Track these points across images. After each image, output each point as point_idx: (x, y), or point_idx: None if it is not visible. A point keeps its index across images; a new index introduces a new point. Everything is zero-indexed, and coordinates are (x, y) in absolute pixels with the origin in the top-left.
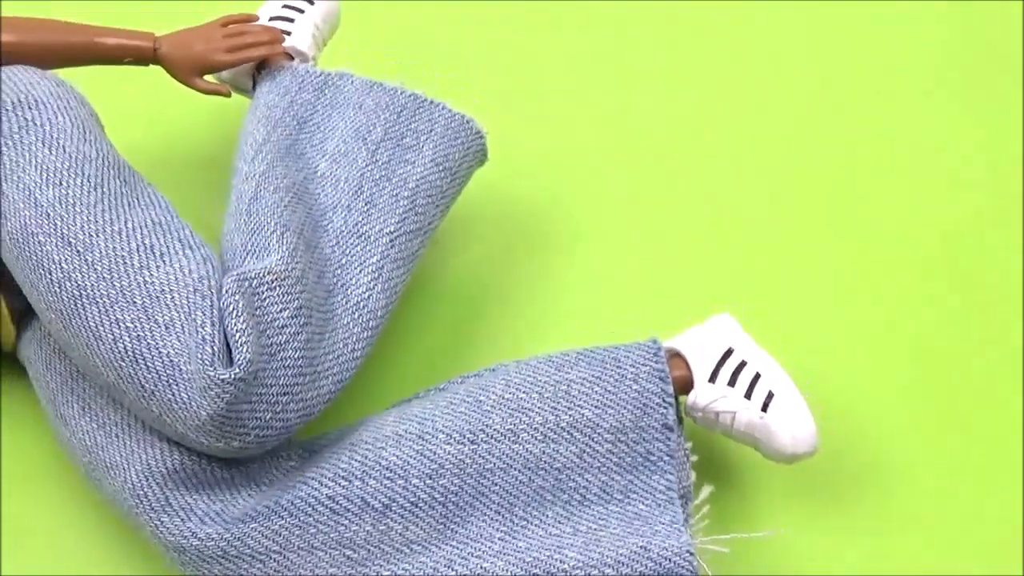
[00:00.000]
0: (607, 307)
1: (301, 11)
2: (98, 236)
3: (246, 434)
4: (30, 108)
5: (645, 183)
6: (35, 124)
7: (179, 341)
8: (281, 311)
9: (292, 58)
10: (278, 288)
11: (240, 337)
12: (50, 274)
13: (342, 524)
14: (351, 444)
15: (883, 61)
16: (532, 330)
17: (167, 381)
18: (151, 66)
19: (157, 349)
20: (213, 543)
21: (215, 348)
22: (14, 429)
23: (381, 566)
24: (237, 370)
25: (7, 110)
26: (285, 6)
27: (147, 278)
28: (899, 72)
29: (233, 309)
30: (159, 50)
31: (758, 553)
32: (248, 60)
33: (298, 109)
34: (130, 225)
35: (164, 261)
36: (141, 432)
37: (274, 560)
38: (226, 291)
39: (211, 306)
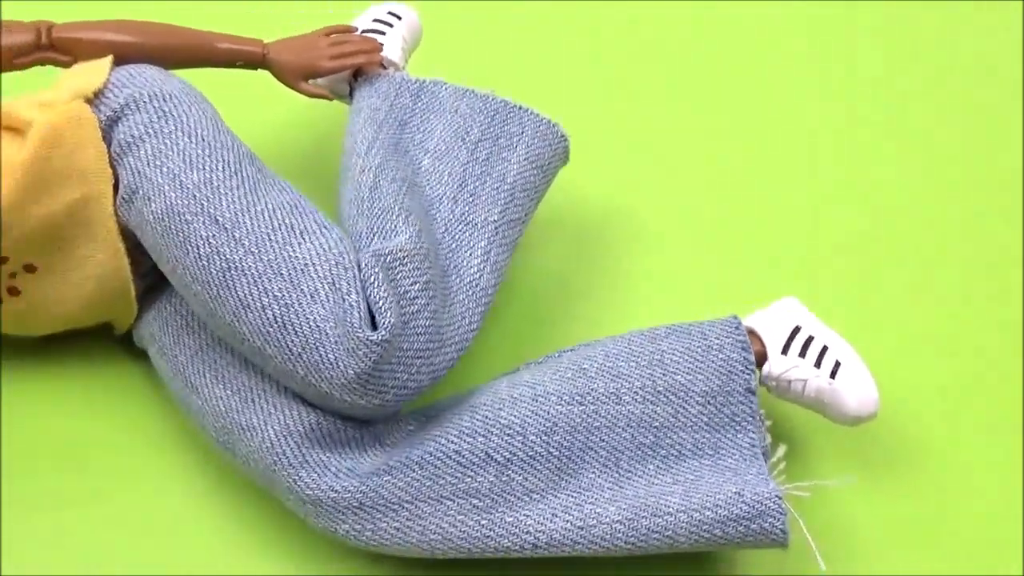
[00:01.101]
0: (673, 295)
1: (391, 25)
2: (243, 215)
3: (385, 392)
4: (166, 101)
5: (701, 181)
6: (173, 115)
7: (324, 309)
8: (412, 284)
9: (384, 67)
10: (409, 264)
11: (383, 304)
12: (198, 250)
13: (468, 476)
14: (470, 407)
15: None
16: (599, 318)
17: (314, 344)
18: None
19: (304, 316)
20: (350, 495)
21: (361, 314)
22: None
23: (504, 513)
24: (383, 332)
25: (145, 102)
26: (376, 20)
27: (291, 253)
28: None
29: (374, 280)
30: (267, 55)
31: (823, 505)
32: (350, 67)
33: (398, 112)
34: (270, 206)
35: (304, 239)
36: (277, 396)
37: (406, 510)
38: (365, 265)
39: (353, 277)
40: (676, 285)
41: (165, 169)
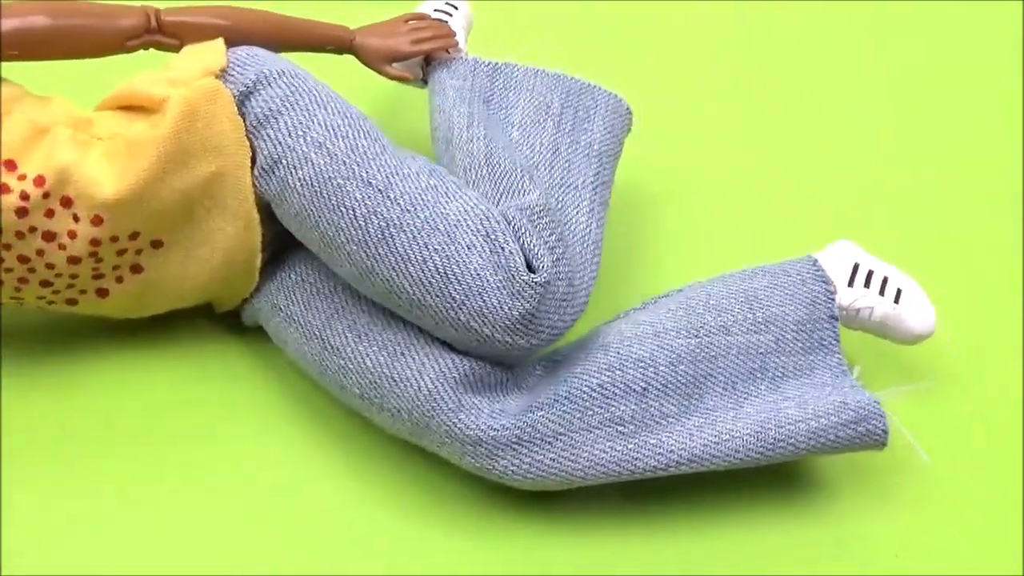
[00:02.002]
0: (729, 250)
1: (450, 14)
2: (393, 177)
3: (541, 332)
4: (294, 77)
5: (741, 146)
6: (304, 89)
7: (481, 258)
8: (550, 235)
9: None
10: (545, 217)
11: (537, 251)
12: (353, 211)
13: (612, 405)
14: (601, 346)
15: None
16: (657, 277)
17: (477, 291)
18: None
19: (464, 265)
20: (508, 432)
21: (519, 260)
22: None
23: (648, 436)
24: (543, 275)
25: (275, 78)
26: (437, 9)
27: (442, 210)
28: None
29: (524, 230)
30: (354, 40)
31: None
32: (428, 51)
33: (480, 91)
34: (413, 169)
35: (450, 197)
36: (427, 346)
37: (560, 441)
38: (512, 218)
39: (506, 229)
40: (726, 242)
41: (309, 138)
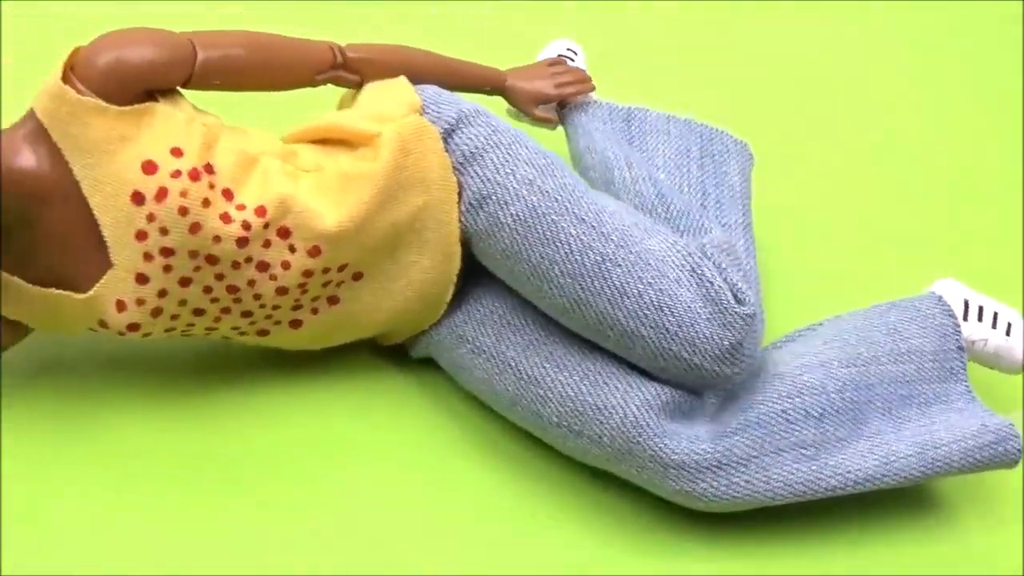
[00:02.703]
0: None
1: (572, 60)
2: (602, 214)
3: (743, 361)
4: (488, 115)
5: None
6: (502, 129)
7: (690, 292)
8: (737, 270)
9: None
10: (733, 252)
11: (739, 284)
12: (569, 246)
13: (795, 430)
14: (776, 375)
15: None
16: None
17: (689, 323)
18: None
19: (676, 298)
20: (709, 455)
21: (728, 293)
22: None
23: (828, 458)
24: (750, 307)
25: (473, 117)
26: (560, 55)
27: (649, 246)
28: None
29: (724, 264)
30: (506, 83)
31: None
32: (571, 95)
33: (619, 134)
34: (612, 207)
35: (651, 234)
36: (628, 376)
37: (753, 464)
38: (710, 253)
39: (708, 264)
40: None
41: (518, 175)
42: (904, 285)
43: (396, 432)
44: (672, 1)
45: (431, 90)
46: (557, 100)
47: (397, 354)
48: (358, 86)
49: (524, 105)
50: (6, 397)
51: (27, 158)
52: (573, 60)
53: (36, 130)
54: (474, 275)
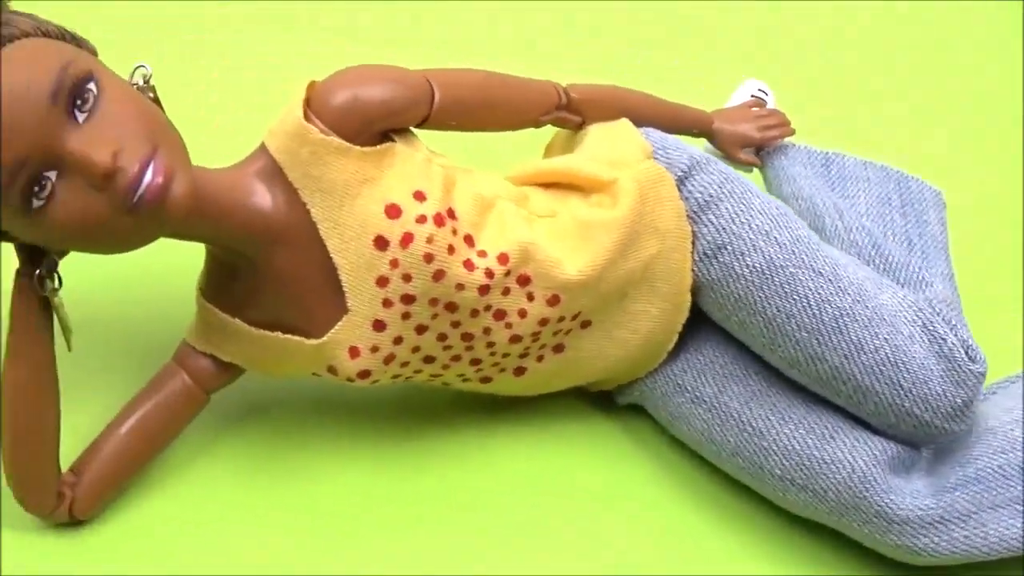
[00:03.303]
0: None
1: (765, 101)
2: (836, 267)
3: (970, 418)
4: (717, 163)
5: None
6: (734, 177)
7: (922, 348)
8: (965, 326)
9: None
10: (957, 308)
11: (970, 341)
12: (806, 299)
13: (1011, 485)
14: (988, 429)
15: None
16: None
17: (924, 380)
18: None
19: (910, 355)
20: (932, 511)
21: (961, 351)
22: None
23: None
24: (982, 364)
25: (704, 164)
26: (752, 95)
27: (882, 301)
28: None
29: (955, 321)
30: (713, 125)
31: None
32: (773, 139)
33: (820, 180)
34: (845, 260)
35: (883, 288)
36: (854, 430)
37: (972, 519)
38: (938, 309)
39: (939, 320)
40: None
41: (754, 226)
42: None
43: (604, 477)
44: None
45: (656, 134)
46: (761, 144)
47: (600, 399)
48: (578, 127)
49: (729, 148)
50: (217, 439)
51: (261, 197)
52: (766, 102)
53: (270, 168)
54: (692, 324)
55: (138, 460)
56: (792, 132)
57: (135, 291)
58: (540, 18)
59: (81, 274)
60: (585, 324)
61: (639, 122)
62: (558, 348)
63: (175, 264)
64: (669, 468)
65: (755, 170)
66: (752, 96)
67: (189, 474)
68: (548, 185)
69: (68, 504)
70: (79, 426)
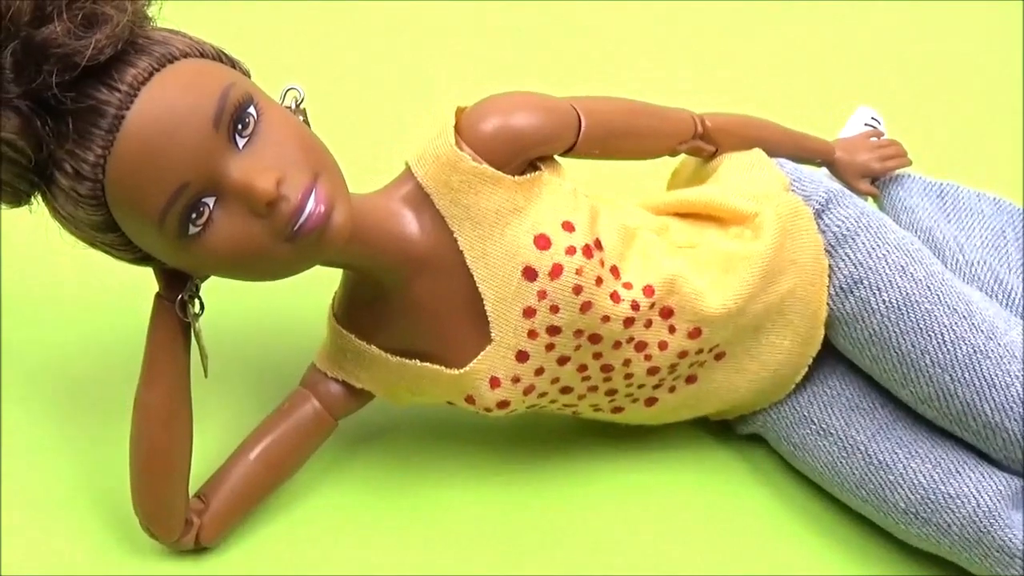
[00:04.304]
0: None
1: (880, 130)
2: (970, 304)
3: None
4: (850, 196)
5: None
6: (869, 210)
7: None
8: None
9: None
10: None
11: None
12: (941, 336)
13: None
14: None
15: None
16: None
17: None
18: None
19: None
20: None
21: None
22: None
23: None
24: None
25: (841, 197)
26: (866, 124)
27: (1012, 338)
28: None
29: None
30: (835, 155)
31: None
32: (892, 169)
33: (936, 212)
34: (977, 296)
35: (1012, 325)
36: (979, 466)
37: None
38: None
39: None
40: None
41: (890, 260)
42: None
43: (723, 505)
44: None
45: (789, 165)
46: (882, 174)
47: (715, 427)
48: (711, 157)
49: (851, 178)
50: (336, 463)
51: (407, 223)
52: (881, 130)
53: (417, 195)
54: (817, 356)
55: (267, 486)
56: (909, 163)
57: (261, 315)
58: (651, 48)
59: (206, 299)
60: (719, 356)
61: (769, 151)
62: (691, 379)
63: (301, 288)
64: (785, 498)
65: (870, 199)
66: (866, 125)
67: (311, 497)
68: (685, 215)
69: (196, 531)
70: (203, 451)
